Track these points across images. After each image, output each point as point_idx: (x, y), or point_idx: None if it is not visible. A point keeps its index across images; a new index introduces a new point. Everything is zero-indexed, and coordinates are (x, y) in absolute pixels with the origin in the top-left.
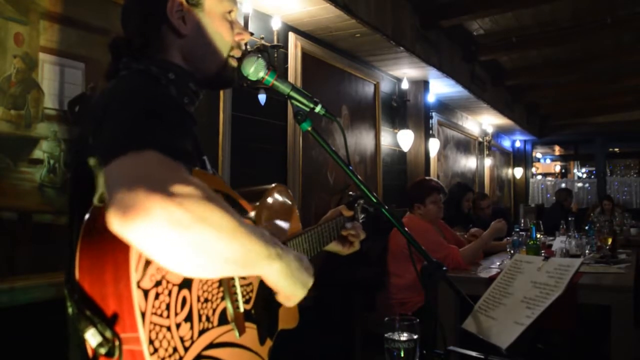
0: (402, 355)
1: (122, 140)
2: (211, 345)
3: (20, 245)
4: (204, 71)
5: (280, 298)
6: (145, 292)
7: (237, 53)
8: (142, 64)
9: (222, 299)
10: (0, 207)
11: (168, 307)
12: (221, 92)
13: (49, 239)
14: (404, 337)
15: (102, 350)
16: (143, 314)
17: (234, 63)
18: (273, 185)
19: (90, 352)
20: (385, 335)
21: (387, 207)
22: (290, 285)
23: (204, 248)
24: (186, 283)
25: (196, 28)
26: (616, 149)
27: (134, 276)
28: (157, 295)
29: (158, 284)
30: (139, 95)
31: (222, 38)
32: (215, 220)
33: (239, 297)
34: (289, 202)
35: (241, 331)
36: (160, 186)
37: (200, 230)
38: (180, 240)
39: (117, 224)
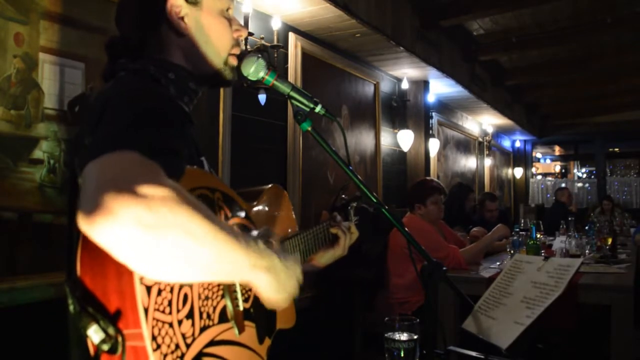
0: (402, 355)
1: (101, 143)
2: (212, 343)
3: (20, 245)
4: (204, 70)
5: (264, 302)
6: (148, 288)
7: (236, 50)
8: (140, 64)
9: (222, 297)
10: (0, 207)
11: (170, 303)
12: (221, 92)
13: (49, 239)
14: (404, 337)
15: (105, 347)
16: (146, 310)
17: (234, 61)
18: (270, 185)
19: (92, 350)
20: (385, 335)
21: (387, 207)
22: (274, 296)
23: (171, 252)
24: None
25: (196, 27)
26: (616, 149)
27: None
28: (159, 292)
29: None
30: (134, 99)
31: (222, 36)
32: (186, 224)
33: (239, 296)
34: (285, 203)
35: (241, 329)
36: (130, 187)
37: (166, 233)
38: (146, 242)
39: (83, 224)
